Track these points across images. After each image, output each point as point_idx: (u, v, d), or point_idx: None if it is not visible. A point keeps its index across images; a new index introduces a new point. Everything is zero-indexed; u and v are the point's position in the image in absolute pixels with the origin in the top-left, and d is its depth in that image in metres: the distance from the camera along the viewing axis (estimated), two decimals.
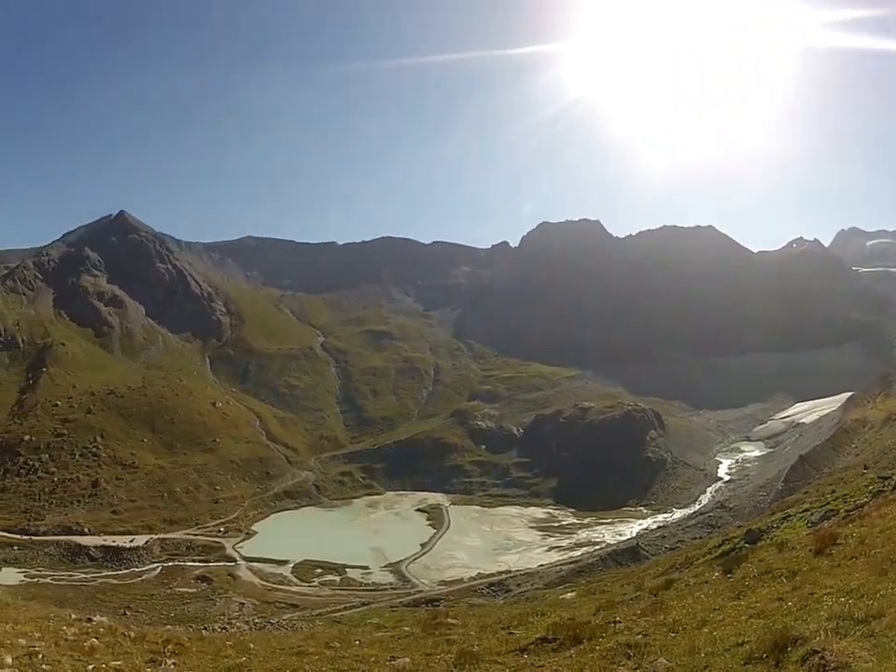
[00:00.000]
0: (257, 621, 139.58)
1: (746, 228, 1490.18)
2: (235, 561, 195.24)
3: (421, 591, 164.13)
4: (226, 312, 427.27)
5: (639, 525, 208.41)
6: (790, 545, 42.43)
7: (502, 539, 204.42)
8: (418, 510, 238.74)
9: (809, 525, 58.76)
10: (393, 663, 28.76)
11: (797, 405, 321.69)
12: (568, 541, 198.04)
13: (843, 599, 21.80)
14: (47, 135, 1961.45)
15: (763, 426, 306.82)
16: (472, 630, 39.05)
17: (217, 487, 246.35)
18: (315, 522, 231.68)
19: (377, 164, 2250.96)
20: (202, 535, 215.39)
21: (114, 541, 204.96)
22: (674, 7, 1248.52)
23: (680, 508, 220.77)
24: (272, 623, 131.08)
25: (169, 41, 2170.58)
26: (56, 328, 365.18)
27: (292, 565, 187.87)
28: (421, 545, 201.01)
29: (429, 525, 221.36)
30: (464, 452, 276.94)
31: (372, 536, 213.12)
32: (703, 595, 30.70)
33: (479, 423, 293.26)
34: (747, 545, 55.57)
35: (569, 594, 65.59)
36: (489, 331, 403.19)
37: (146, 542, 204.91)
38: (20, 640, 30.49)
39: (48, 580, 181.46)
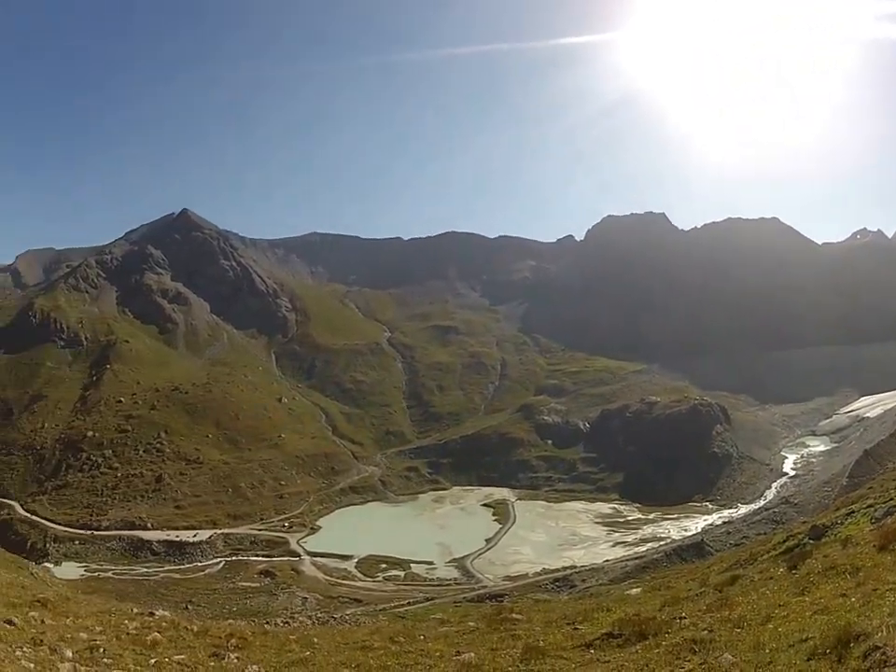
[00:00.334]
0: (319, 615, 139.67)
1: (810, 219, 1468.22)
2: (299, 556, 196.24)
3: (485, 586, 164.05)
4: (291, 308, 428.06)
5: (704, 520, 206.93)
6: (853, 541, 42.09)
7: (567, 535, 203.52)
8: (484, 505, 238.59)
9: (873, 521, 58.01)
10: (458, 658, 28.82)
11: (862, 399, 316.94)
12: (633, 537, 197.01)
13: None
14: (108, 135, 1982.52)
15: (828, 420, 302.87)
16: (537, 625, 38.95)
17: (282, 482, 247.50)
18: (380, 517, 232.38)
19: (440, 158, 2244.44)
20: (266, 530, 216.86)
21: (177, 536, 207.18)
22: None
23: (746, 503, 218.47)
24: (334, 618, 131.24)
25: (224, 38, 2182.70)
26: (120, 325, 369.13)
27: (357, 560, 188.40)
28: (486, 540, 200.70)
29: (495, 520, 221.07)
30: (530, 447, 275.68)
31: (438, 531, 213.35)
32: (767, 591, 30.50)
33: (545, 417, 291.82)
34: (811, 541, 55.08)
35: (634, 589, 65.25)
36: (555, 325, 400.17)
37: (209, 537, 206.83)
38: (81, 634, 30.71)
39: (109, 574, 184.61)
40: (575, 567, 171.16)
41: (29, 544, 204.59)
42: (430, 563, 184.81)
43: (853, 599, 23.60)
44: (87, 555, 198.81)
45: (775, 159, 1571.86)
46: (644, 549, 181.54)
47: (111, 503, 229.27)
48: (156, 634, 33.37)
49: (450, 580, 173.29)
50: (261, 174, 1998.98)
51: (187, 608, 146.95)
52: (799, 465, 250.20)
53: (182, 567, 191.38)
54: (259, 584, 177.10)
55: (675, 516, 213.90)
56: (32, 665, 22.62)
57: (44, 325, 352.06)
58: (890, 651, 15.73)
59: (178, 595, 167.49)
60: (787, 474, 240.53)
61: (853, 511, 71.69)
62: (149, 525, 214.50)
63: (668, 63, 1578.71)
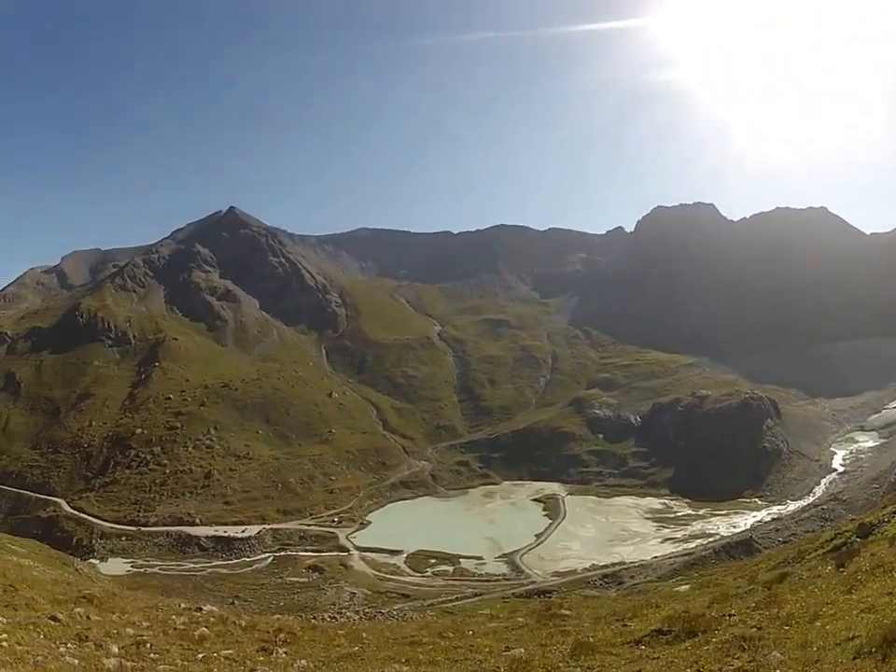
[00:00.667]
0: (367, 610, 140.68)
1: (858, 208, 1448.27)
2: (348, 551, 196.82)
3: (534, 582, 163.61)
4: (341, 303, 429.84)
5: (753, 516, 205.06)
6: None
7: (617, 530, 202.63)
8: (534, 499, 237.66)
9: None
10: (508, 653, 28.99)
11: None
12: (683, 533, 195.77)
13: None
14: (153, 135, 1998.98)
15: (877, 414, 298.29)
16: (586, 621, 39.08)
17: (333, 478, 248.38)
18: (430, 512, 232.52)
19: (485, 151, 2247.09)
20: (315, 525, 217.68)
21: (225, 532, 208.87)
22: None
23: (795, 500, 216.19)
24: (382, 613, 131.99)
25: (269, 36, 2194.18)
26: (168, 323, 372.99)
27: (406, 555, 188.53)
28: (536, 535, 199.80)
29: (545, 515, 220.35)
30: (581, 441, 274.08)
31: (488, 526, 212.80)
32: (816, 589, 30.47)
33: (596, 411, 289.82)
34: (858, 539, 54.62)
35: (683, 586, 65.11)
36: (606, 318, 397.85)
37: (258, 532, 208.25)
38: (127, 630, 31.07)
39: (155, 569, 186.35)
40: (624, 563, 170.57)
41: (75, 541, 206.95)
42: (479, 558, 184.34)
43: None
44: (133, 551, 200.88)
45: (822, 148, 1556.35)
46: (693, 545, 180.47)
47: (159, 499, 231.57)
48: (203, 629, 33.77)
49: (499, 575, 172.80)
50: (308, 170, 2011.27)
51: (233, 603, 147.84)
52: (848, 461, 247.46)
53: (230, 562, 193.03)
54: (306, 579, 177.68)
55: (724, 512, 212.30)
56: (76, 661, 22.96)
57: (91, 324, 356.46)
58: None
59: (225, 590, 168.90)
60: (835, 470, 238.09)
61: None
62: (198, 520, 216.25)
63: (711, 47, 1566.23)
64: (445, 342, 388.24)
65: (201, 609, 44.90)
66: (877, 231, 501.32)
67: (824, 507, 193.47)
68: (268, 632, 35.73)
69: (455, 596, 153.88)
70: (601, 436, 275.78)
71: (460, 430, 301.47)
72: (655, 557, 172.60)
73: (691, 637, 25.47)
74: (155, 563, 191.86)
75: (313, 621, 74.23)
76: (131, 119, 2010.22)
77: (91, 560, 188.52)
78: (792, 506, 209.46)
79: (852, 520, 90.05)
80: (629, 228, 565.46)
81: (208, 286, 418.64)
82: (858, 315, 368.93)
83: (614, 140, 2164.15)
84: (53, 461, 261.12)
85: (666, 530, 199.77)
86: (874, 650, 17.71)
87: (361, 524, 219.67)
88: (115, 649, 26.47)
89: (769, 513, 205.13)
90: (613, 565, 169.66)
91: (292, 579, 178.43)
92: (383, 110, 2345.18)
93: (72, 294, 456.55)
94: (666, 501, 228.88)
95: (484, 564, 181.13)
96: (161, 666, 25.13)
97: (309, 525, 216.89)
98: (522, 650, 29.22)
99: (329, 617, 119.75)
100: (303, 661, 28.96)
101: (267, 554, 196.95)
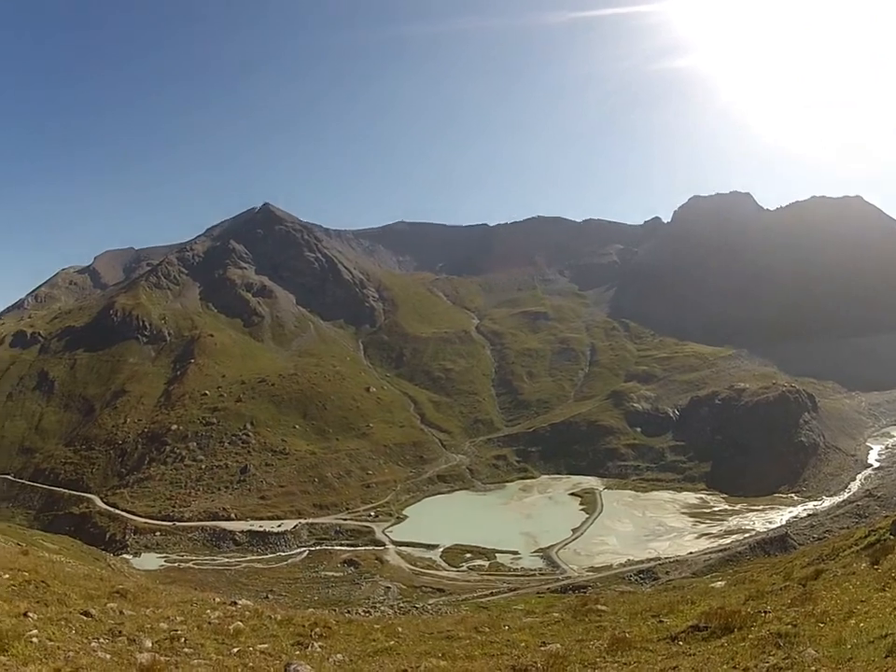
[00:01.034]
0: (401, 605, 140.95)
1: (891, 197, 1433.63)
2: (384, 545, 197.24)
3: (569, 577, 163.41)
4: (378, 297, 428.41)
5: (789, 512, 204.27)
6: None
7: (654, 525, 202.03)
8: (572, 494, 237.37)
9: None
10: (544, 648, 29.18)
11: None
12: (719, 528, 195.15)
13: None
14: (184, 134, 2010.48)
15: None
16: (622, 617, 39.14)
17: (370, 472, 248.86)
18: (467, 506, 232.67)
19: (521, 142, 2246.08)
20: (352, 519, 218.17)
21: (261, 526, 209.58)
22: None
23: (830, 495, 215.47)
24: (416, 608, 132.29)
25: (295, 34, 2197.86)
26: (203, 319, 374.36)
27: (442, 549, 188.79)
28: (573, 530, 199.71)
29: (582, 509, 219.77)
30: (619, 434, 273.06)
31: (524, 520, 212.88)
32: (850, 587, 30.47)
33: (635, 405, 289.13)
34: (892, 536, 54.54)
35: (718, 582, 65.15)
36: (644, 309, 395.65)
37: (294, 527, 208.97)
38: (161, 624, 31.16)
39: (189, 564, 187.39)
40: (659, 558, 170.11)
41: (108, 537, 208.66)
42: (516, 553, 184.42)
43: None
44: (167, 546, 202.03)
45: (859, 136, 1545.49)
46: (728, 541, 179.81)
47: (194, 494, 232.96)
48: (238, 623, 33.91)
49: (534, 570, 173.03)
50: (344, 166, 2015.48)
51: (267, 597, 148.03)
52: (883, 456, 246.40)
53: (265, 556, 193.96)
54: (341, 573, 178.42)
55: (760, 508, 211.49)
56: (108, 656, 23.04)
57: (125, 322, 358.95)
58: None
59: (259, 584, 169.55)
60: (871, 466, 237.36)
61: None
62: (233, 515, 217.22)
63: (737, 30, 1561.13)
64: (483, 335, 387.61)
65: (235, 603, 45.12)
66: None
67: (859, 503, 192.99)
68: (303, 626, 35.80)
69: (489, 591, 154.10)
70: (639, 430, 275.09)
71: (498, 424, 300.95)
72: (691, 553, 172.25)
73: (727, 633, 25.53)
74: (189, 558, 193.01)
75: (347, 615, 74.51)
76: (162, 120, 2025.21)
77: (125, 555, 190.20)
78: (828, 502, 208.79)
79: (886, 517, 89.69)
80: (666, 218, 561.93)
81: (244, 282, 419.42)
82: (894, 305, 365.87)
83: (648, 126, 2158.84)
84: (87, 458, 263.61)
85: (702, 525, 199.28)
86: None
87: (398, 518, 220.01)
88: (148, 643, 26.64)
89: (804, 509, 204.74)
90: (648, 560, 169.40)
91: (327, 573, 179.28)
92: (416, 103, 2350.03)
93: (105, 293, 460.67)
94: (703, 496, 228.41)
95: (520, 558, 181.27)
96: (196, 661, 25.20)
97: (345, 520, 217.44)
98: (558, 645, 29.39)
99: (363, 611, 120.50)
100: (339, 655, 29.12)
101: (302, 549, 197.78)
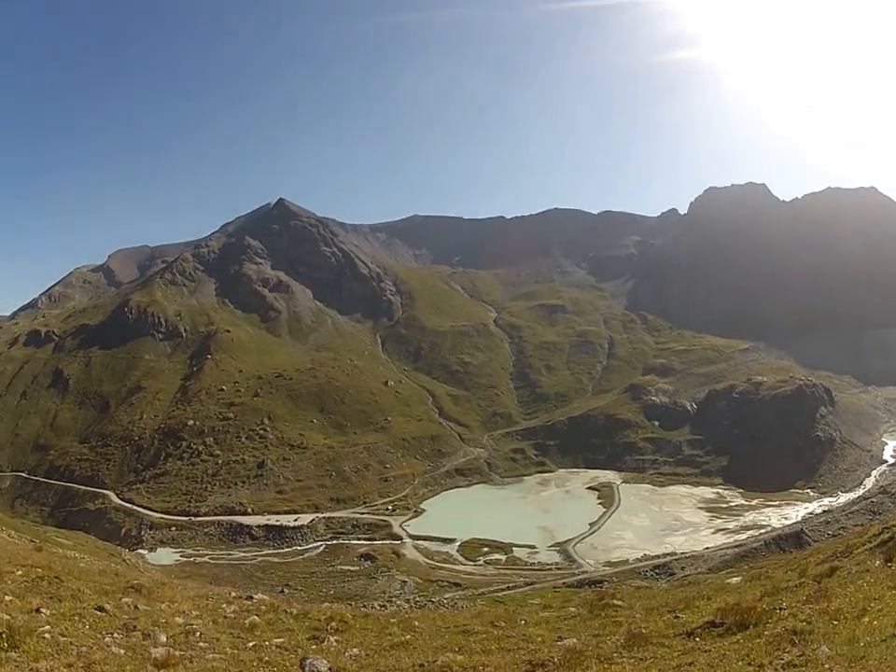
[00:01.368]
0: (417, 599, 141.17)
1: None
2: (401, 539, 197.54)
3: (585, 571, 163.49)
4: (396, 291, 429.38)
5: (805, 507, 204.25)
6: None
7: (670, 520, 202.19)
8: (589, 487, 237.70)
9: None
10: (561, 643, 29.05)
11: None
12: (735, 524, 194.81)
13: None
14: (199, 131, 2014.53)
15: None
16: (638, 612, 39.06)
17: (387, 466, 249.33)
18: (484, 500, 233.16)
19: (537, 135, 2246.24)
20: (369, 513, 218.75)
21: (277, 521, 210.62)
22: None
23: (846, 491, 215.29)
24: (432, 602, 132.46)
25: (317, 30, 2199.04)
26: (220, 315, 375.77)
27: (459, 543, 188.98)
28: (590, 524, 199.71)
29: (599, 503, 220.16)
30: (637, 428, 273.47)
31: (542, 514, 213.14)
32: (864, 584, 30.30)
33: (652, 398, 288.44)
34: None
35: (734, 578, 64.86)
36: (662, 302, 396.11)
37: (310, 521, 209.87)
38: (176, 619, 31.10)
39: (205, 559, 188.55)
40: (675, 553, 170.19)
41: (123, 532, 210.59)
42: (532, 547, 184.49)
43: None
44: (183, 541, 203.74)
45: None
46: (744, 537, 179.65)
47: (211, 489, 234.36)
48: (254, 617, 33.93)
49: (551, 564, 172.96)
50: (357, 160, 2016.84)
51: (283, 591, 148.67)
52: None
53: (281, 550, 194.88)
54: (358, 567, 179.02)
55: (776, 503, 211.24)
56: (122, 651, 22.95)
57: (141, 320, 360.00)
58: None
59: (275, 578, 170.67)
60: (886, 462, 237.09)
61: None
62: (249, 510, 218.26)
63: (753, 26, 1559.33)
64: (501, 328, 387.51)
65: (251, 597, 45.01)
66: None
67: (873, 500, 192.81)
68: (319, 620, 35.76)
69: (506, 585, 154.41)
70: (657, 423, 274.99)
71: (516, 418, 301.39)
72: (707, 548, 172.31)
73: (742, 629, 25.45)
74: (205, 552, 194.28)
75: (363, 609, 74.57)
76: (172, 117, 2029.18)
77: (140, 550, 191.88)
78: (843, 498, 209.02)
79: None
80: (682, 209, 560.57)
81: (260, 277, 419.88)
82: None
83: (661, 118, 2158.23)
84: (102, 454, 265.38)
85: (719, 520, 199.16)
86: None
87: (415, 511, 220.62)
88: (163, 638, 26.60)
89: (820, 505, 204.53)
90: (665, 555, 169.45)
91: (343, 567, 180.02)
92: (430, 94, 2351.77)
93: (120, 291, 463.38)
94: (720, 491, 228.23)
95: (537, 553, 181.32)
96: (211, 655, 25.12)
97: (362, 514, 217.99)
98: (575, 640, 29.28)
99: (380, 605, 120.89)
100: (355, 649, 29.03)
101: (319, 543, 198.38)
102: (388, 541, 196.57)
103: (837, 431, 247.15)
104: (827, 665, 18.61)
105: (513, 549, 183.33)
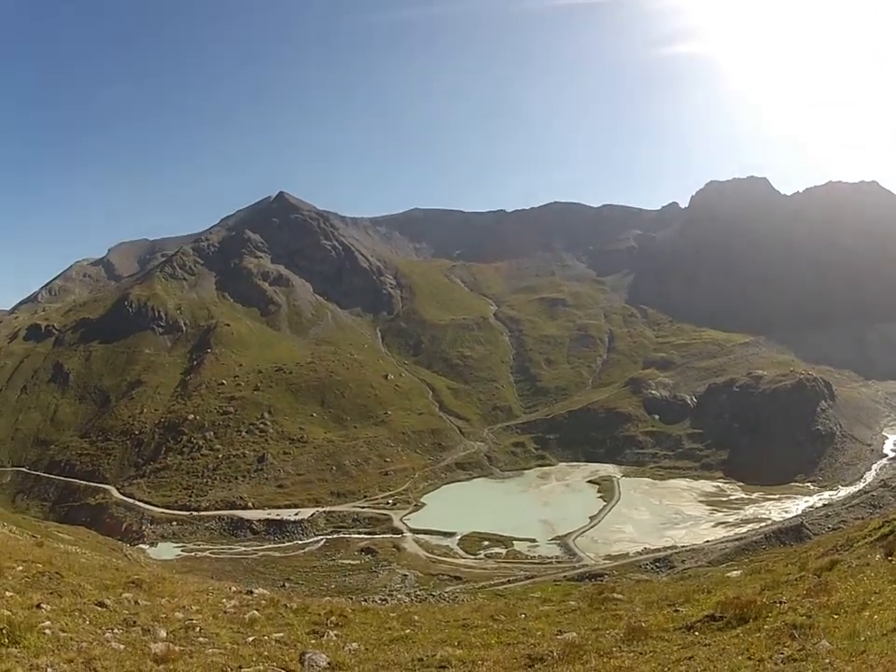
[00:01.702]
0: (418, 593, 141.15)
1: None
2: (402, 533, 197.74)
3: (586, 565, 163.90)
4: (396, 285, 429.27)
5: (805, 501, 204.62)
6: None
7: (670, 514, 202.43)
8: (589, 481, 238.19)
9: None
10: (560, 637, 28.98)
11: None
12: (735, 517, 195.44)
13: None
14: (198, 125, 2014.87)
15: None
16: (638, 606, 39.02)
17: (388, 459, 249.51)
18: (485, 493, 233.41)
19: (539, 128, 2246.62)
20: (369, 507, 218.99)
21: (278, 515, 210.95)
22: None
23: (846, 485, 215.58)
24: (433, 596, 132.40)
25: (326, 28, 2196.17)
26: (220, 309, 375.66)
27: (459, 537, 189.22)
28: (590, 518, 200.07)
29: (599, 497, 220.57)
30: (637, 422, 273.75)
31: (542, 508, 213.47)
32: (864, 578, 30.27)
33: (653, 392, 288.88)
34: None
35: (734, 572, 64.91)
36: (662, 295, 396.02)
37: (311, 515, 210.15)
38: (176, 614, 30.99)
39: (206, 553, 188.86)
40: (675, 547, 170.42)
41: (124, 527, 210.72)
42: (533, 540, 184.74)
43: None
44: (184, 536, 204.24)
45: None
46: (744, 530, 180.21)
47: (211, 484, 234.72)
48: (254, 612, 33.85)
49: (551, 558, 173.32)
50: (358, 153, 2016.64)
51: (284, 585, 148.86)
52: None
53: (282, 545, 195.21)
54: (359, 561, 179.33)
55: (777, 496, 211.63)
56: (122, 647, 22.82)
57: (141, 313, 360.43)
58: None
59: (276, 572, 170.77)
60: (886, 455, 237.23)
61: None
62: (250, 504, 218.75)
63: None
64: (501, 321, 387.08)
65: (251, 591, 44.97)
66: None
67: (874, 493, 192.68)
68: (319, 614, 35.66)
69: (506, 579, 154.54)
70: (657, 417, 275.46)
71: (516, 411, 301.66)
72: (707, 541, 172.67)
73: (742, 623, 25.37)
74: (206, 547, 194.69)
75: (363, 603, 74.55)
76: (173, 111, 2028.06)
77: (141, 545, 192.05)
78: (844, 491, 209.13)
79: None
80: (683, 203, 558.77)
81: (260, 271, 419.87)
82: None
83: (663, 112, 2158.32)
84: (103, 449, 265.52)
85: (719, 514, 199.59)
86: None
87: (416, 505, 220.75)
88: (163, 633, 26.50)
89: (820, 498, 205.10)
90: (665, 549, 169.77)
91: (344, 561, 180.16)
92: (431, 87, 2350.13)
93: (120, 285, 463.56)
94: (720, 484, 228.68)
95: (538, 546, 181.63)
96: (211, 650, 24.94)
97: (363, 508, 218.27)
98: (575, 633, 29.20)
99: (380, 599, 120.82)
100: (355, 644, 28.95)
101: (319, 537, 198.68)
102: (389, 535, 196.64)
103: (838, 425, 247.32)
104: (827, 660, 18.58)
105: (514, 542, 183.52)
